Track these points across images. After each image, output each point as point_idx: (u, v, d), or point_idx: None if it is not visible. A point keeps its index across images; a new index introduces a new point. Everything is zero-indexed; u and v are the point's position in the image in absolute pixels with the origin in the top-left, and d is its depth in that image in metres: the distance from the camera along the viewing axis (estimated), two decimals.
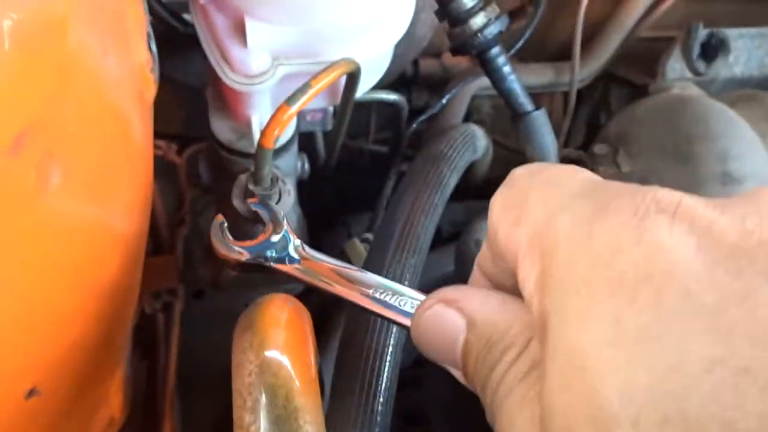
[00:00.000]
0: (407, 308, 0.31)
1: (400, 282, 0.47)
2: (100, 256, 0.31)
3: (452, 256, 0.65)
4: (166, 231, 0.77)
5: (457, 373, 0.26)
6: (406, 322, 0.30)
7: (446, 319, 0.25)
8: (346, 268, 0.33)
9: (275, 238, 0.37)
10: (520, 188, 0.24)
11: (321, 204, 0.81)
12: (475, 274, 0.29)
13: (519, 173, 0.25)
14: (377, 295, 0.31)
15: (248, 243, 0.36)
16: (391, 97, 0.73)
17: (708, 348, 0.16)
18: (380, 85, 0.79)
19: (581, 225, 0.20)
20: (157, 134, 0.82)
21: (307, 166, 0.59)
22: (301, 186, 0.68)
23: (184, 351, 0.74)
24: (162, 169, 0.87)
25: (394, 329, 0.43)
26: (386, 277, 0.48)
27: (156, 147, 0.82)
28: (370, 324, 0.43)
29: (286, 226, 0.37)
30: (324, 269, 0.34)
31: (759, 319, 0.16)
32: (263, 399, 0.27)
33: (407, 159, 0.81)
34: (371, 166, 0.92)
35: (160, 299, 0.63)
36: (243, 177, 0.48)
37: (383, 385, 0.40)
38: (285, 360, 0.28)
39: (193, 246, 0.79)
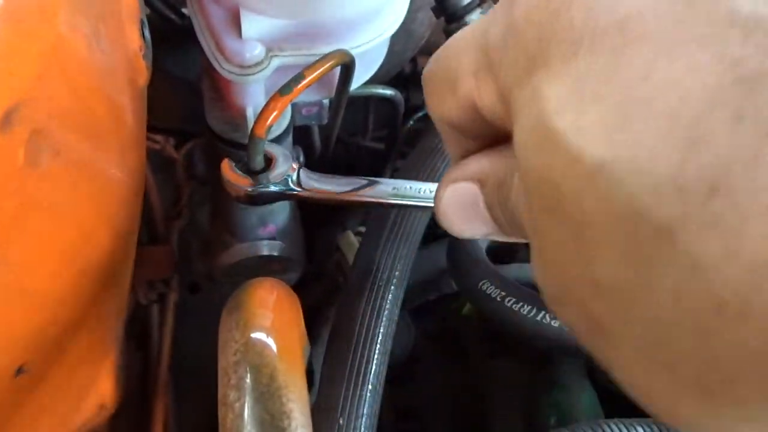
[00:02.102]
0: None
1: (391, 272, 0.47)
2: (90, 236, 0.31)
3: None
4: (163, 225, 0.77)
5: (491, 231, 0.27)
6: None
7: (460, 190, 0.26)
8: (346, 192, 0.37)
9: (279, 172, 0.41)
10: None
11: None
12: (450, 139, 0.29)
13: None
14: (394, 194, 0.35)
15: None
16: (388, 92, 0.74)
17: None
18: (378, 83, 0.79)
19: None
20: (156, 129, 0.83)
21: (302, 158, 0.59)
22: None
23: (180, 345, 0.74)
24: (160, 163, 0.87)
25: (384, 318, 0.43)
26: (377, 267, 0.49)
27: (154, 142, 0.83)
28: (359, 312, 0.43)
29: (291, 164, 0.42)
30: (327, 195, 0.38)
31: None
32: (248, 377, 0.27)
33: (403, 156, 0.81)
34: (369, 163, 0.92)
35: (154, 289, 0.63)
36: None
37: (372, 372, 0.40)
38: (270, 340, 0.29)
39: (190, 240, 0.80)
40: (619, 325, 0.18)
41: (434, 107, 0.26)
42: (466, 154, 0.28)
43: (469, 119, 0.25)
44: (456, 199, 0.27)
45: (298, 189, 0.40)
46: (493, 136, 0.26)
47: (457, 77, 0.24)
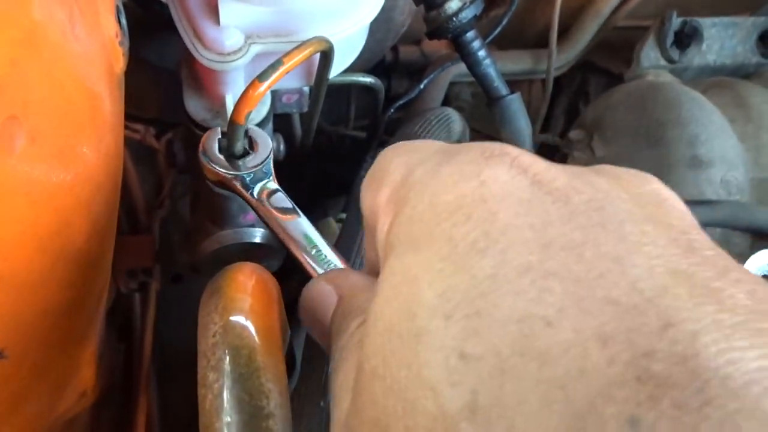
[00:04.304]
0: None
1: None
2: (67, 221, 0.31)
3: None
4: (144, 215, 0.77)
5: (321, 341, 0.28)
6: None
7: (324, 294, 0.27)
8: (289, 225, 0.36)
9: (256, 164, 0.42)
10: (382, 161, 0.26)
11: (303, 189, 0.81)
12: (367, 237, 0.30)
13: (383, 151, 0.27)
14: (308, 250, 0.35)
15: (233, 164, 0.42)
16: (368, 79, 0.74)
17: (525, 257, 0.18)
18: (360, 72, 0.79)
19: (432, 169, 0.22)
20: (136, 118, 0.82)
21: (282, 146, 0.59)
22: (283, 171, 0.68)
23: (162, 335, 0.74)
24: (140, 154, 0.87)
25: None
26: (358, 253, 0.49)
27: (134, 131, 0.83)
28: None
29: (269, 162, 0.42)
30: (271, 216, 0.37)
31: (575, 236, 0.18)
32: (226, 358, 0.27)
33: (383, 145, 0.81)
34: (352, 152, 0.93)
35: (135, 279, 0.63)
36: None
37: None
38: (249, 323, 0.29)
39: (172, 230, 0.79)
40: None
41: (364, 197, 0.27)
42: (369, 261, 0.29)
43: (371, 218, 0.26)
44: (318, 297, 0.28)
45: (255, 199, 0.40)
46: None
47: (385, 177, 0.25)
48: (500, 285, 0.17)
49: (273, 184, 0.41)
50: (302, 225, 0.37)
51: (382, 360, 0.19)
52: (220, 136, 0.43)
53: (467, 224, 0.19)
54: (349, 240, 0.49)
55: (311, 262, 0.34)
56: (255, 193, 0.40)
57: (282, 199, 0.39)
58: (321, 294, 0.28)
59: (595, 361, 0.15)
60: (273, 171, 0.42)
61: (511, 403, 0.15)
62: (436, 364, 0.17)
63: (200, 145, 0.43)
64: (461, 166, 0.21)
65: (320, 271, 0.34)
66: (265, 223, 0.38)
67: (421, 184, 0.22)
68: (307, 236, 0.36)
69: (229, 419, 0.26)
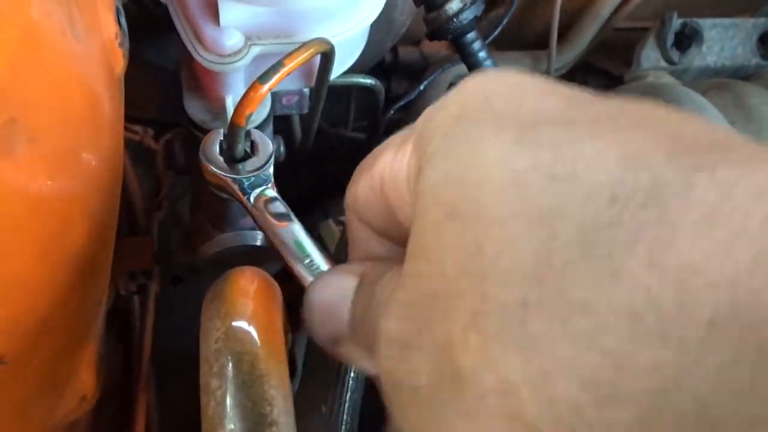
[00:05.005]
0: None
1: None
2: (67, 226, 0.31)
3: None
4: (143, 216, 0.77)
5: (339, 334, 0.25)
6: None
7: (338, 281, 0.25)
8: (283, 232, 0.35)
9: (256, 167, 0.41)
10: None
11: (302, 190, 0.81)
12: (355, 236, 0.29)
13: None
14: (301, 259, 0.34)
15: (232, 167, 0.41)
16: (368, 81, 0.74)
17: (563, 107, 0.21)
18: (359, 72, 0.79)
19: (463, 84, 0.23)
20: (134, 119, 0.82)
21: (282, 148, 0.59)
22: (283, 173, 0.68)
23: (161, 336, 0.74)
24: (139, 155, 0.86)
25: None
26: None
27: (133, 132, 0.82)
28: None
29: (269, 167, 0.41)
30: (266, 222, 0.37)
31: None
32: (229, 365, 0.27)
33: None
34: (351, 153, 0.92)
35: (135, 281, 0.63)
36: None
37: None
38: (251, 329, 0.29)
39: (171, 232, 0.79)
40: None
41: (349, 192, 0.26)
42: (363, 258, 0.27)
43: (374, 198, 0.25)
44: (330, 290, 0.25)
45: (251, 204, 0.39)
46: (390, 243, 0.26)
47: (379, 153, 0.24)
48: (542, 118, 0.20)
49: (271, 192, 0.40)
50: (296, 232, 0.36)
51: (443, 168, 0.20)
52: (221, 138, 0.43)
53: (506, 102, 0.21)
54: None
55: (304, 272, 0.33)
56: (252, 199, 0.39)
57: (278, 206, 0.39)
58: (334, 281, 0.26)
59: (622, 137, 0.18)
60: (272, 178, 0.41)
61: (570, 155, 0.18)
62: (500, 148, 0.19)
63: (201, 147, 0.42)
64: (481, 75, 0.23)
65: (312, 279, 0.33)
66: (261, 229, 0.38)
67: (443, 105, 0.22)
68: (299, 244, 0.35)
69: (232, 426, 0.26)
